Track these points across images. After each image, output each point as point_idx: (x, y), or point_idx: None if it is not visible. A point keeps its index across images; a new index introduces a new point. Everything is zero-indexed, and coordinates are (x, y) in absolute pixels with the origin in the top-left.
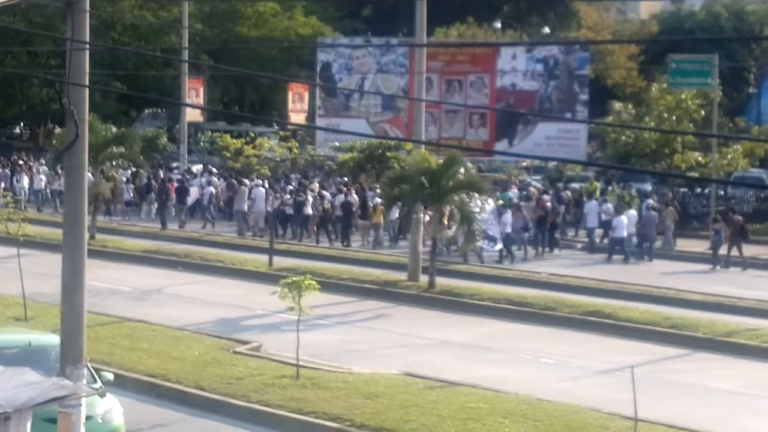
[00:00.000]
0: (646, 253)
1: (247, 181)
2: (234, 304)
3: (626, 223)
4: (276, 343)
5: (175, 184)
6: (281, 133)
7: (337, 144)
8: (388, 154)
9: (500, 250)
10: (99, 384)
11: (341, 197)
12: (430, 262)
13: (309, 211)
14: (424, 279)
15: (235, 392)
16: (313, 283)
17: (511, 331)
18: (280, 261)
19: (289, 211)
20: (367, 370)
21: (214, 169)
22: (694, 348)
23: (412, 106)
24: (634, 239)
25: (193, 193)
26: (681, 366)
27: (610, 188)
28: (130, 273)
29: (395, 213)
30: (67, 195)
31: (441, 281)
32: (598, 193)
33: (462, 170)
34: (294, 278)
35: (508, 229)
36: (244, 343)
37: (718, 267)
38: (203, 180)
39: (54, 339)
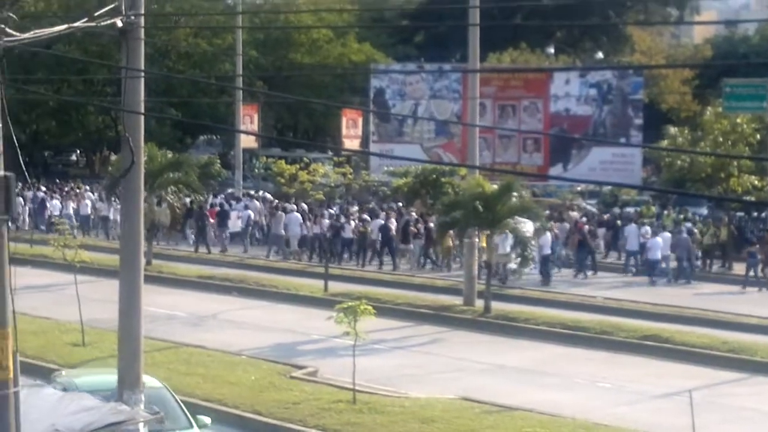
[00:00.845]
0: (682, 274)
1: (290, 206)
2: (290, 329)
3: (661, 244)
4: (332, 367)
5: (217, 209)
6: (335, 158)
7: (391, 169)
8: (443, 179)
9: (541, 272)
10: (195, 428)
11: (378, 221)
12: (486, 287)
13: (348, 234)
14: (479, 303)
15: (292, 417)
16: (369, 308)
17: (567, 356)
18: (334, 286)
19: (328, 235)
20: (423, 394)
21: (268, 195)
22: (752, 372)
23: (465, 132)
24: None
25: (234, 217)
26: (739, 390)
27: (665, 212)
28: (186, 298)
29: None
30: (124, 221)
31: (496, 305)
32: (654, 218)
33: (516, 195)
34: (349, 303)
35: (546, 251)
36: (301, 368)
37: (746, 288)
38: (241, 204)
39: (149, 381)
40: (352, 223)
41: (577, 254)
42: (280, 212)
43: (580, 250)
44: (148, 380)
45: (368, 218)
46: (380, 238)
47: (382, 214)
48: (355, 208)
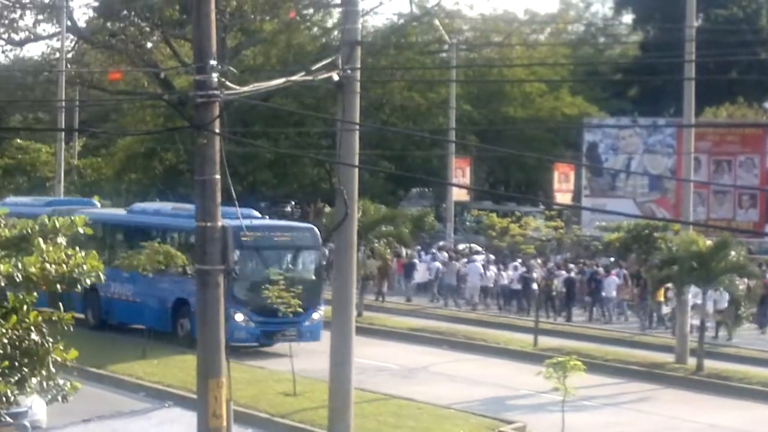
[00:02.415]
0: None
1: (476, 257)
2: (499, 384)
3: None
4: (541, 423)
5: (403, 260)
6: (547, 212)
7: (603, 224)
8: (655, 234)
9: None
10: None
11: (563, 274)
12: (699, 344)
13: (535, 286)
14: (691, 361)
15: None
16: (578, 363)
17: None
18: (544, 340)
19: (515, 286)
20: None
21: (477, 247)
22: None
23: (679, 187)
24: None
25: (422, 269)
26: None
27: None
28: (396, 350)
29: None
30: (337, 273)
31: (709, 364)
32: None
33: (732, 253)
34: (559, 358)
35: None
36: (509, 422)
37: None
38: (429, 257)
39: None
40: (536, 275)
41: (760, 309)
42: (453, 262)
43: (763, 306)
44: None
45: (553, 270)
46: (565, 291)
47: (563, 267)
48: (538, 260)
